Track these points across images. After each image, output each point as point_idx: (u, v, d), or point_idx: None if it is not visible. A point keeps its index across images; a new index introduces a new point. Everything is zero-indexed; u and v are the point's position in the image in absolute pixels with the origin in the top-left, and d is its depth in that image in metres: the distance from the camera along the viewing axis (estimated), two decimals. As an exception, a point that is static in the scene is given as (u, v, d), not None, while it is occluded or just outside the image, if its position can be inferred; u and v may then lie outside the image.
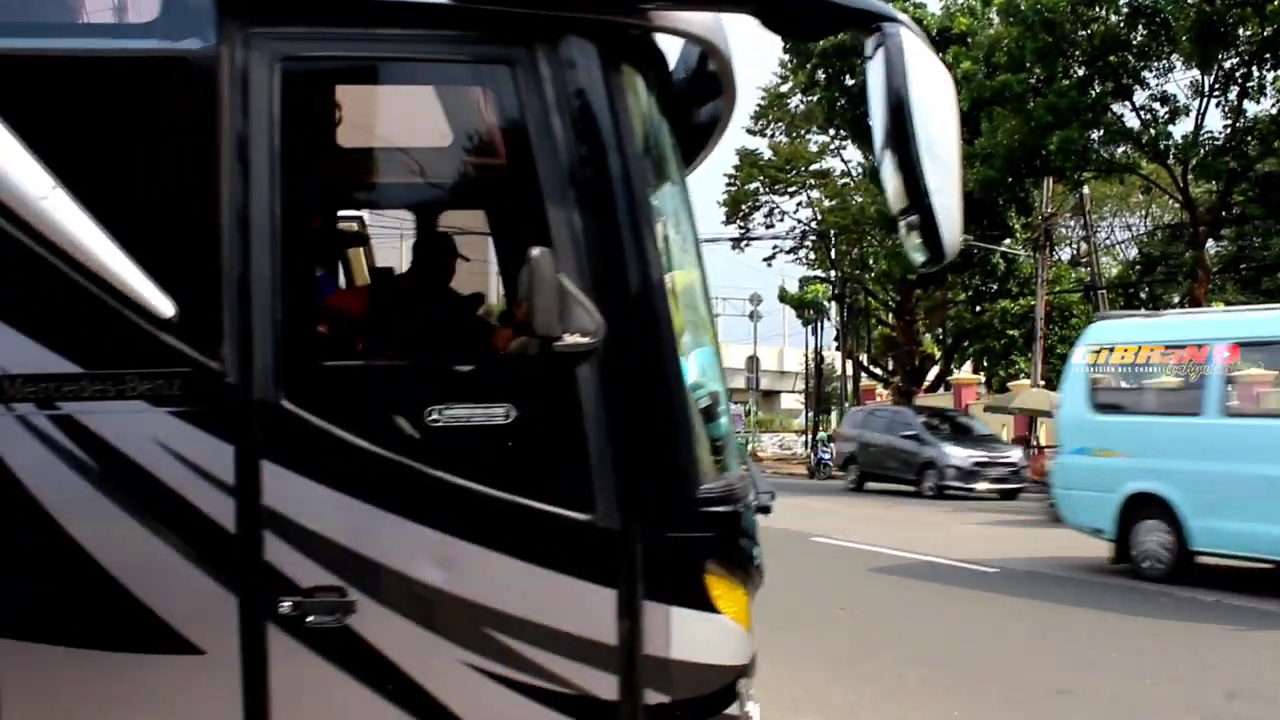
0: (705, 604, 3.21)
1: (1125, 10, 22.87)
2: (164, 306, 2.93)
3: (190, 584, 2.99)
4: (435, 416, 3.10)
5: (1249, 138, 23.52)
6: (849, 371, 42.72)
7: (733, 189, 43.88)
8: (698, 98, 3.65)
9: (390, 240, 4.57)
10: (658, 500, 3.18)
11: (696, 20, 3.31)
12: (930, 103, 2.93)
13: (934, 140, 2.92)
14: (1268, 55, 22.32)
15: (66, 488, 2.91)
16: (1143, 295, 33.35)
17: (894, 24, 2.95)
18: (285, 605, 3.00)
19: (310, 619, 3.01)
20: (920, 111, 2.90)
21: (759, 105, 42.31)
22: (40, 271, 2.90)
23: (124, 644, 2.98)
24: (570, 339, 3.05)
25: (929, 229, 2.94)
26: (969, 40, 27.36)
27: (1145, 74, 24.10)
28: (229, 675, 2.98)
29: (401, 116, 4.07)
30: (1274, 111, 23.10)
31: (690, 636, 3.21)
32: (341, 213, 4.33)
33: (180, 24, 2.97)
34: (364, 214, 4.65)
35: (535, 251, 3.00)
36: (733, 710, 3.26)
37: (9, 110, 2.84)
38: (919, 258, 3.07)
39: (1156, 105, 24.39)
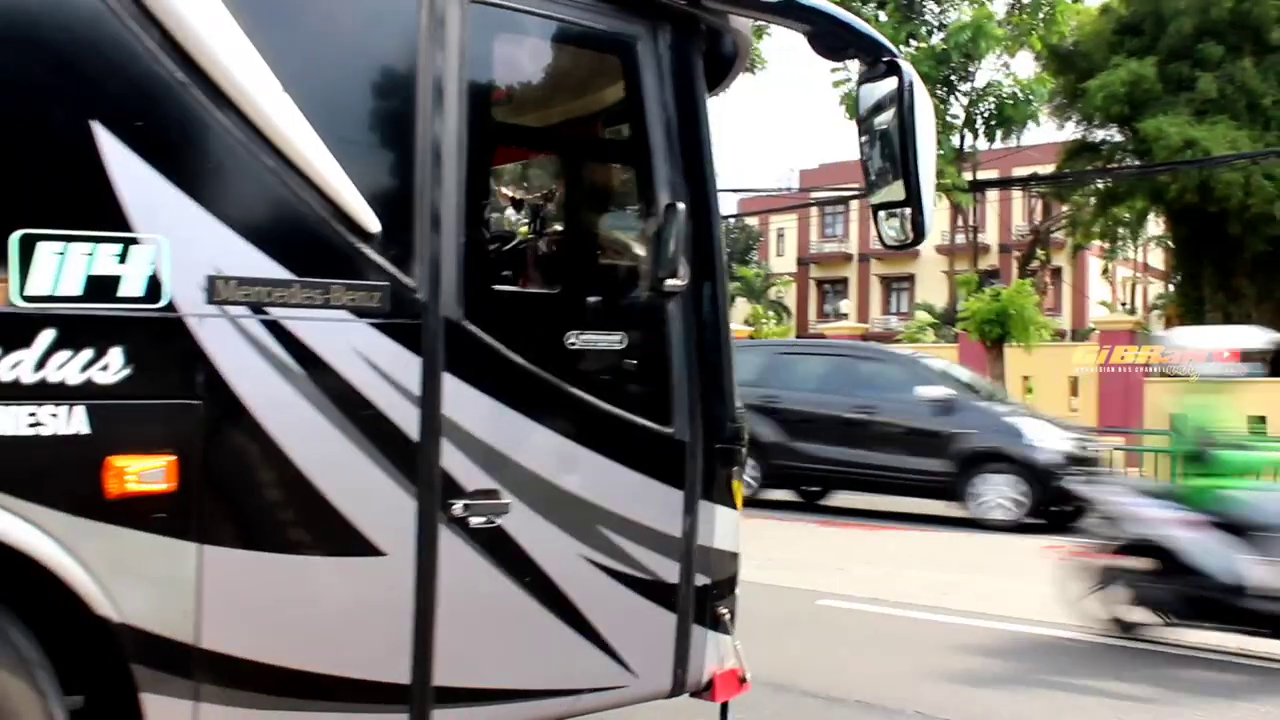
0: (731, 502, 3.99)
1: None
2: (371, 222, 3.13)
3: (377, 489, 3.20)
4: (573, 340, 3.66)
5: None
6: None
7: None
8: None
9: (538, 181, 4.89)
10: (712, 417, 3.90)
11: (745, 21, 4.20)
12: (925, 123, 3.86)
13: (925, 151, 3.85)
14: None
15: (271, 393, 3.00)
16: None
17: (905, 62, 3.87)
18: (456, 507, 3.31)
19: (474, 520, 3.36)
20: (920, 130, 3.81)
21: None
22: (261, 176, 3.00)
23: (314, 547, 3.14)
24: (671, 281, 3.66)
25: (919, 218, 3.87)
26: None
27: None
28: (405, 575, 3.24)
29: (553, 70, 4.32)
30: None
31: (723, 529, 3.95)
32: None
33: None
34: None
35: (672, 209, 3.66)
36: (737, 591, 4.06)
37: (250, 16, 2.93)
38: (897, 238, 4.06)
39: None
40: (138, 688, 2.82)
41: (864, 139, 4.08)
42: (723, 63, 4.27)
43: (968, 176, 23.70)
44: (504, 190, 4.53)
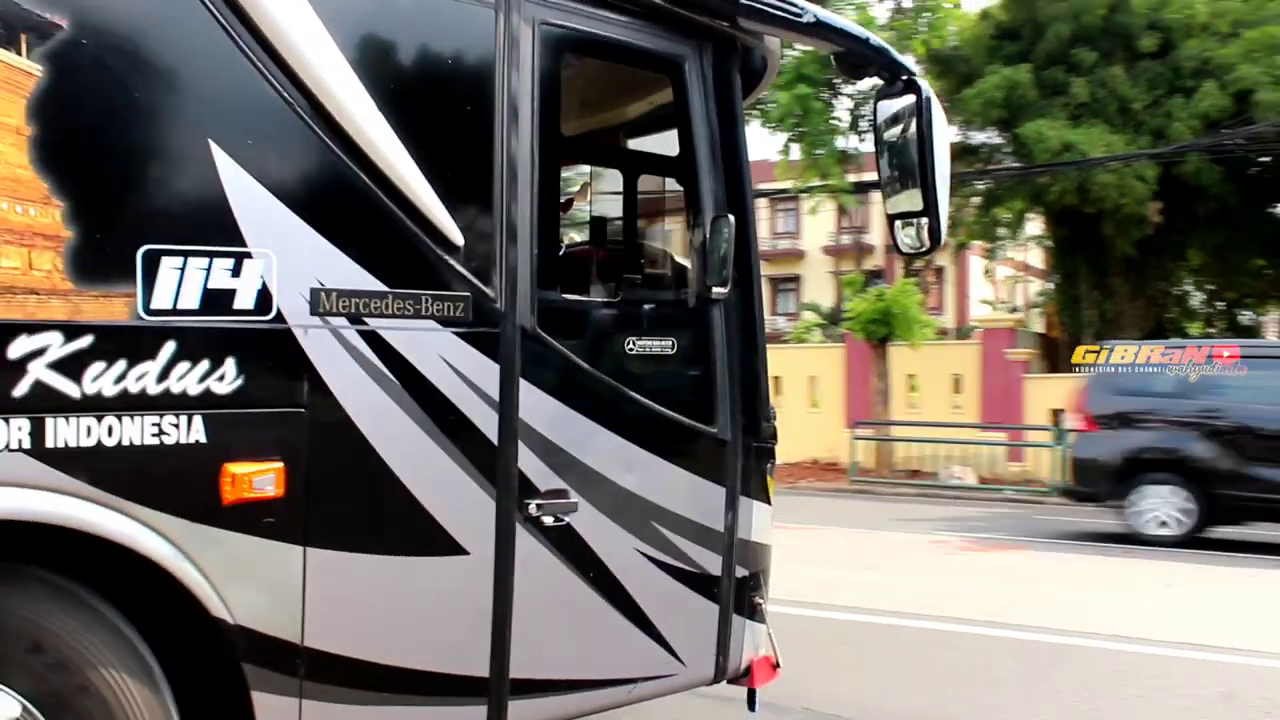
0: (766, 497, 4.32)
1: None
2: (456, 236, 3.37)
3: (461, 491, 3.42)
4: (632, 346, 3.97)
5: None
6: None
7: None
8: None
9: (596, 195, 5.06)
10: (750, 417, 4.21)
11: (776, 40, 4.49)
12: (941, 139, 4.21)
13: (941, 164, 4.19)
14: None
15: (367, 400, 3.19)
16: None
17: (923, 80, 4.22)
18: (531, 507, 3.56)
19: (546, 519, 3.60)
20: (938, 146, 4.18)
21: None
22: (357, 192, 3.18)
23: (405, 548, 3.33)
24: (718, 289, 3.99)
25: (936, 227, 4.23)
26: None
27: None
28: (485, 573, 3.47)
29: (609, 89, 4.58)
30: None
31: (760, 523, 4.28)
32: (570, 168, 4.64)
33: None
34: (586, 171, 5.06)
35: (722, 219, 3.96)
36: (769, 580, 4.36)
37: (346, 35, 3.14)
38: (913, 245, 4.40)
39: None
40: (249, 686, 3.00)
41: (881, 152, 4.43)
42: (753, 75, 4.56)
43: (852, 178, 23.93)
44: (566, 203, 4.70)
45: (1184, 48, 21.95)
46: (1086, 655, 6.89)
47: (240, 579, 2.99)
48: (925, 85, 4.26)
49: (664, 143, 4.52)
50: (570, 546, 3.71)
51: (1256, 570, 10.81)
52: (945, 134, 4.32)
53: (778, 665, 4.44)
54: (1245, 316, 32.22)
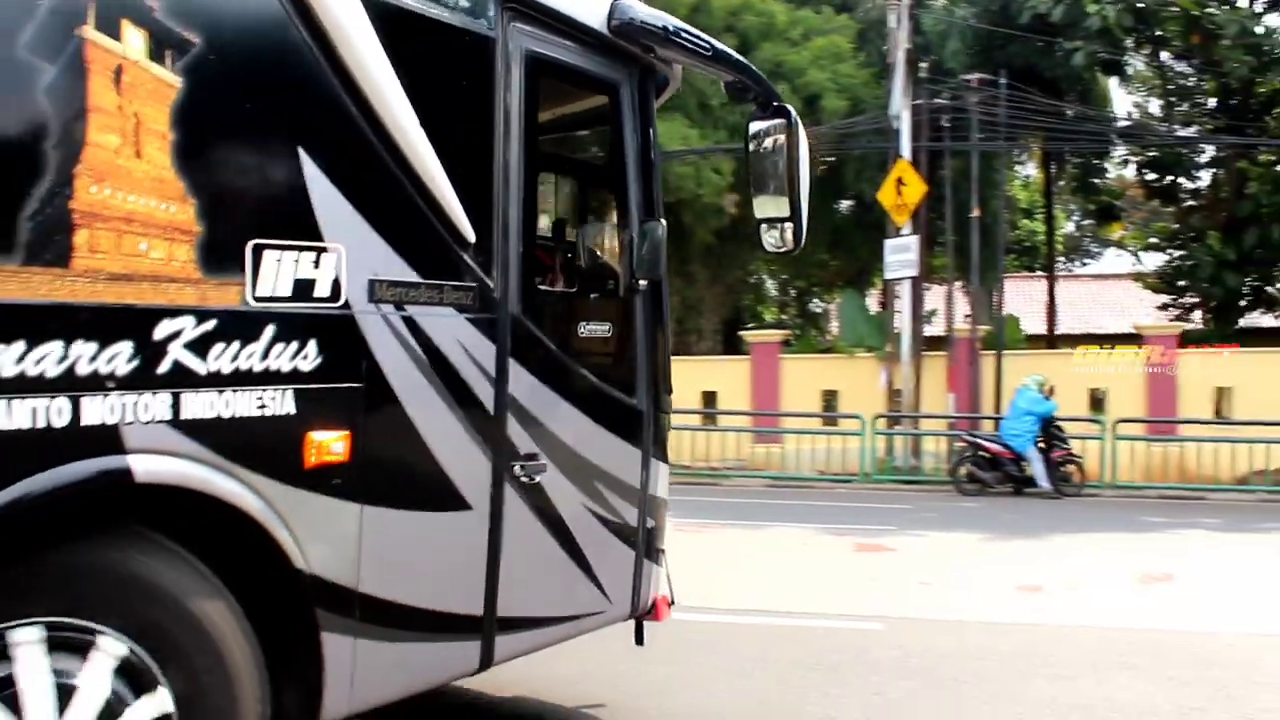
0: (666, 459, 5.07)
1: None
2: (469, 234, 3.89)
3: (468, 454, 3.96)
4: (582, 330, 4.71)
5: None
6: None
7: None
8: None
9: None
10: (657, 391, 4.92)
11: (679, 66, 5.14)
12: (804, 157, 4.86)
13: (804, 177, 4.85)
14: None
15: (406, 376, 3.69)
16: None
17: (791, 108, 4.90)
18: (515, 468, 4.15)
19: (524, 479, 4.19)
20: (802, 162, 4.84)
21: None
22: (403, 194, 3.67)
23: (429, 504, 3.86)
24: (642, 282, 4.69)
25: (799, 230, 4.88)
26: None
27: None
28: (483, 525, 4.04)
29: (568, 108, 5.15)
30: None
31: (662, 481, 5.02)
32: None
33: (472, 7, 3.98)
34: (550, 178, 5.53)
35: (654, 222, 4.73)
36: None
37: (397, 63, 3.57)
38: (777, 245, 5.04)
39: None
40: (319, 628, 3.42)
41: (752, 165, 5.06)
42: (658, 94, 5.19)
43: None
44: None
45: (759, 50, 23.20)
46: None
47: (315, 533, 3.40)
48: (793, 111, 4.95)
49: (604, 153, 5.29)
50: (539, 502, 4.31)
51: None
52: (806, 153, 4.96)
53: (673, 603, 5.23)
54: (815, 304, 34.79)
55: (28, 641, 2.83)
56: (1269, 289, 23.98)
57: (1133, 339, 20.04)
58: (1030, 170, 33.44)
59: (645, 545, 4.94)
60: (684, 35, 4.83)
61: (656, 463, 4.97)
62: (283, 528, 3.29)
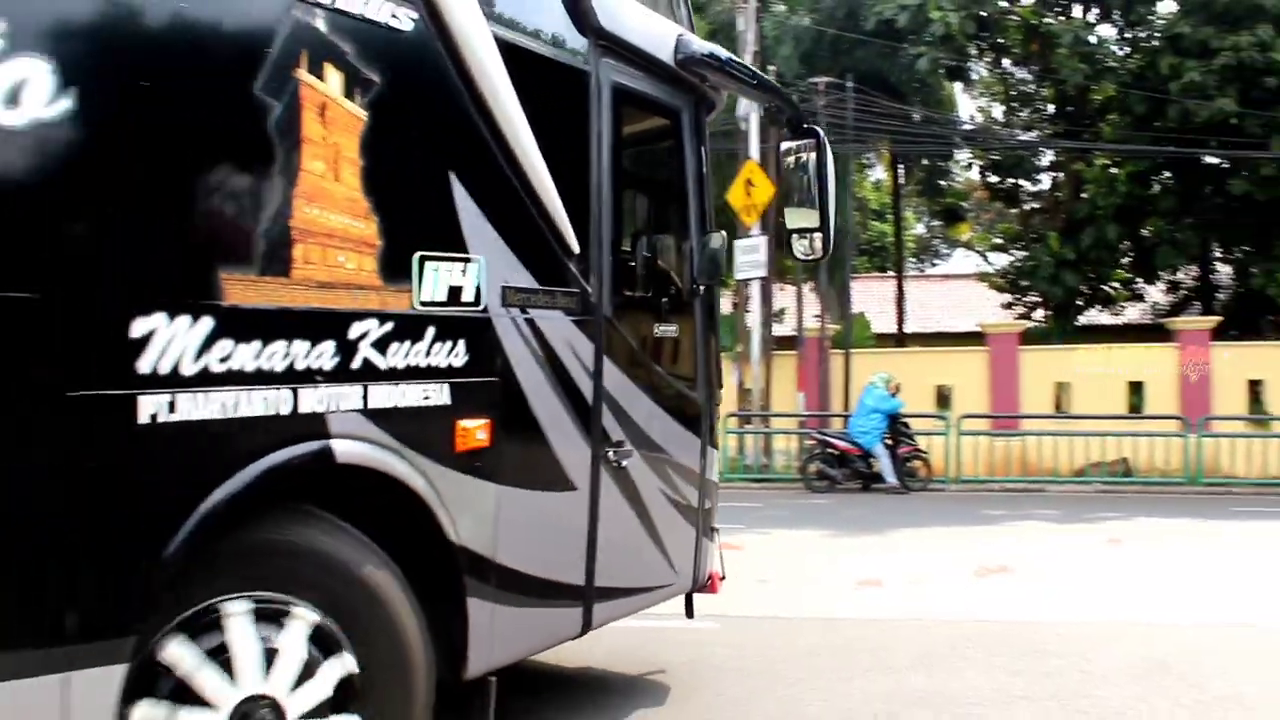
0: (716, 445, 5.85)
1: None
2: (575, 247, 4.46)
3: (574, 440, 4.54)
4: (655, 330, 5.25)
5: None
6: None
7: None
8: None
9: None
10: (711, 383, 5.65)
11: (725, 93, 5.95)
12: (831, 173, 5.57)
13: (831, 192, 5.56)
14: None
15: (529, 371, 4.27)
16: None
17: (821, 132, 5.65)
18: (609, 454, 4.74)
19: (615, 463, 4.78)
20: (829, 178, 5.54)
21: None
22: (526, 212, 4.22)
23: (547, 485, 4.43)
24: (703, 286, 5.49)
25: (827, 239, 5.62)
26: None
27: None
28: (585, 504, 4.63)
29: (641, 132, 5.46)
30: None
31: (715, 465, 5.78)
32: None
33: (574, 46, 4.57)
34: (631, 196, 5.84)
35: (715, 233, 5.45)
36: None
37: (524, 101, 4.11)
38: (806, 252, 5.80)
39: None
40: (465, 593, 3.91)
41: (786, 181, 5.80)
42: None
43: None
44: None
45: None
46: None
47: (463, 510, 3.90)
48: (821, 131, 5.64)
49: (668, 171, 5.67)
50: (626, 484, 4.91)
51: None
52: (833, 170, 5.61)
53: (724, 577, 5.93)
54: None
55: (238, 613, 3.20)
56: (1104, 287, 24.85)
57: (977, 337, 20.54)
58: (880, 173, 34.17)
59: (703, 524, 5.64)
60: (734, 65, 5.74)
61: (710, 449, 5.68)
62: (440, 504, 3.80)
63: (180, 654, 3.09)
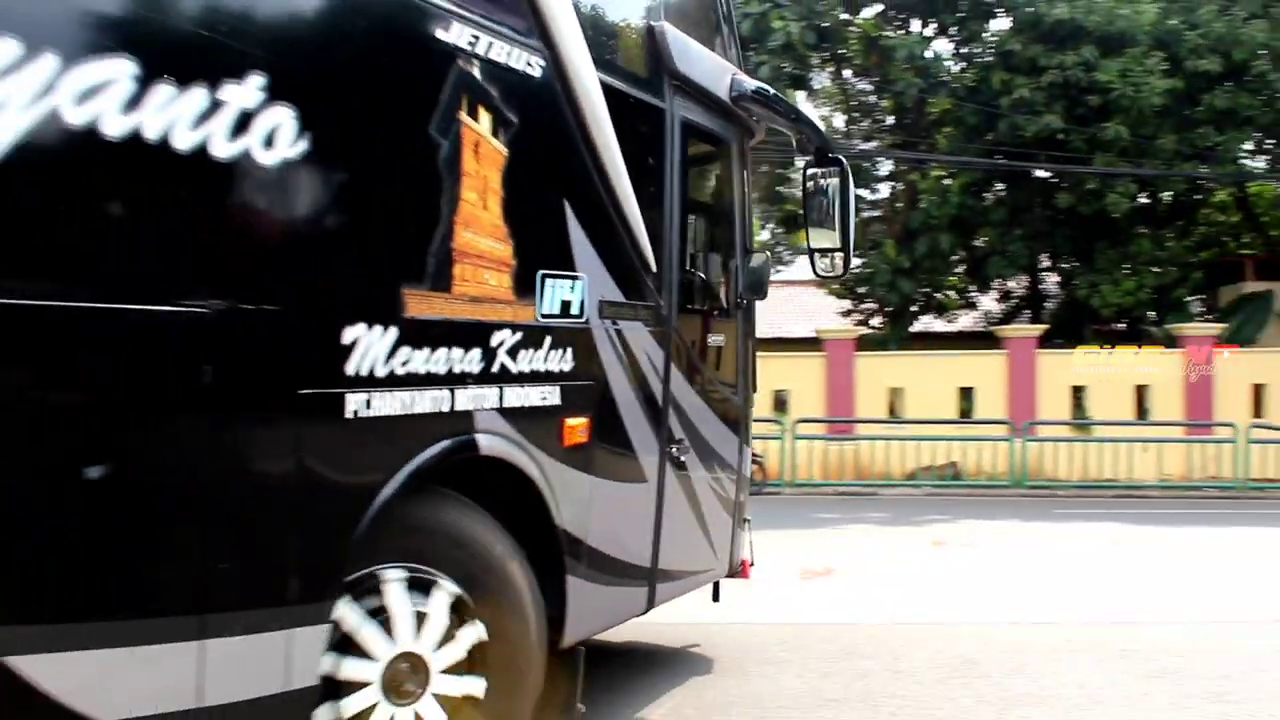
0: (749, 442, 6.58)
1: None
2: (652, 265, 5.08)
3: (646, 437, 5.17)
4: (708, 338, 5.94)
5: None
6: None
7: None
8: None
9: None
10: (749, 386, 6.45)
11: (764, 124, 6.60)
12: (852, 197, 6.14)
13: (852, 215, 6.14)
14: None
15: (617, 376, 4.87)
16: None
17: (844, 160, 6.20)
18: (672, 449, 5.37)
19: (676, 458, 5.40)
20: (851, 202, 6.12)
21: None
22: (616, 235, 4.81)
23: (626, 477, 5.06)
24: (747, 299, 6.27)
25: (847, 258, 6.28)
26: None
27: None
28: (653, 495, 5.25)
29: (700, 160, 6.08)
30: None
31: (748, 461, 6.51)
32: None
33: (654, 85, 5.23)
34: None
35: (760, 254, 6.78)
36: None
37: (615, 126, 4.70)
38: (828, 270, 6.44)
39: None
40: (565, 571, 4.44)
41: (809, 204, 6.30)
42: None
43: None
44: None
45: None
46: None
47: (566, 498, 4.42)
48: (844, 160, 6.21)
49: (719, 195, 6.47)
50: (682, 478, 5.50)
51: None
52: (853, 195, 6.18)
53: (753, 564, 6.60)
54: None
55: (396, 579, 3.72)
56: (938, 295, 25.50)
57: (816, 343, 20.87)
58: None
59: (738, 515, 6.35)
60: (778, 100, 6.41)
61: (746, 446, 6.40)
62: (549, 492, 4.35)
63: (347, 613, 3.56)
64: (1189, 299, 22.51)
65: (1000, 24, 22.52)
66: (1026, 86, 20.02)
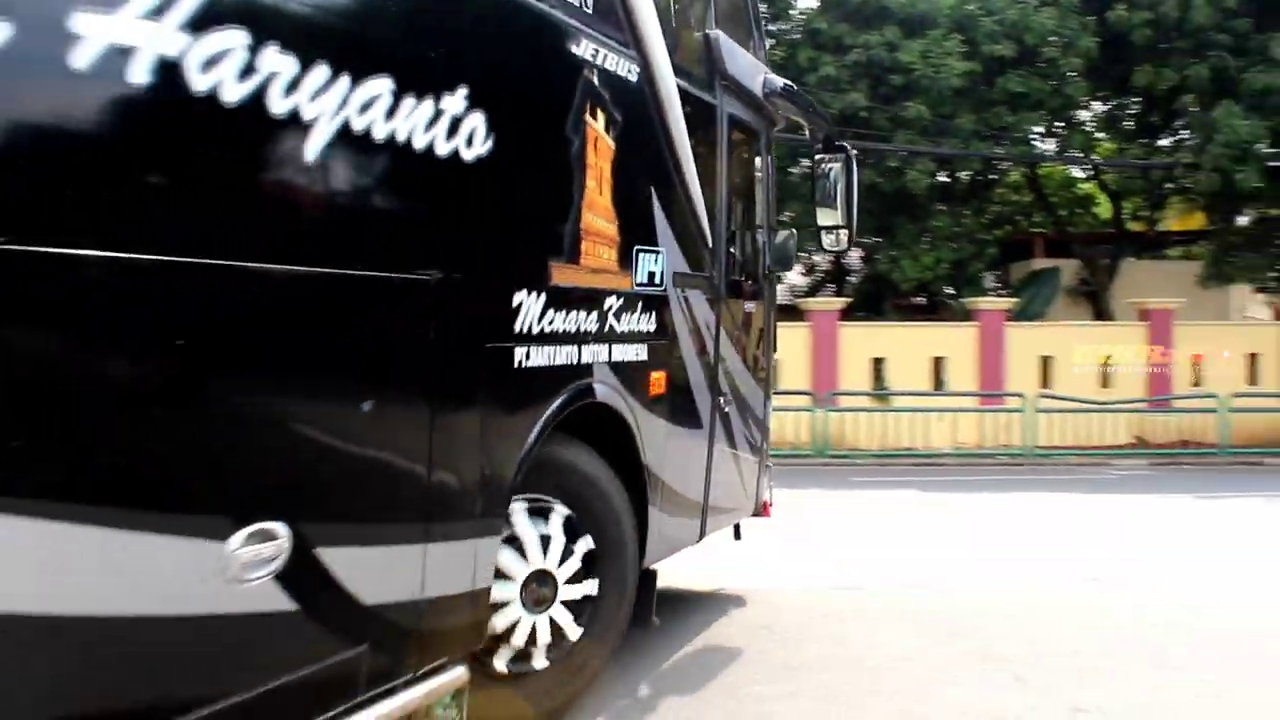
0: (770, 396, 7.54)
1: None
2: (709, 242, 5.93)
3: (704, 389, 6.03)
4: (745, 306, 6.74)
5: None
6: None
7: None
8: None
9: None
10: (772, 346, 7.49)
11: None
12: (855, 181, 7.10)
13: (855, 196, 7.10)
14: None
15: (685, 335, 5.73)
16: None
17: (849, 147, 7.21)
18: (720, 401, 6.23)
19: (724, 408, 6.28)
20: (854, 185, 7.07)
21: None
22: (686, 218, 5.65)
23: (694, 424, 5.96)
24: (774, 272, 7.32)
25: (851, 234, 7.12)
26: None
27: None
28: (706, 440, 6.13)
29: (739, 149, 6.71)
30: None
31: (770, 412, 7.49)
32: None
33: (709, 85, 6.03)
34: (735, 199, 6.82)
35: (787, 231, 7.37)
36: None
37: (687, 123, 5.55)
38: (834, 245, 7.25)
39: None
40: (648, 502, 5.35)
41: (817, 187, 7.22)
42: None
43: None
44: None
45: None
46: None
47: (649, 440, 5.30)
48: (849, 147, 7.16)
49: (752, 179, 7.06)
50: (727, 425, 6.31)
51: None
52: (856, 179, 7.11)
53: (772, 504, 7.48)
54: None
55: (521, 510, 4.46)
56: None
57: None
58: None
59: (763, 460, 7.24)
60: (799, 95, 7.23)
61: (768, 401, 7.33)
62: (639, 434, 5.16)
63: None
64: (984, 274, 23.34)
65: (808, 2, 22.89)
66: (833, 65, 20.27)
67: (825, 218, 7.19)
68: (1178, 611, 7.26)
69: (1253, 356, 19.85)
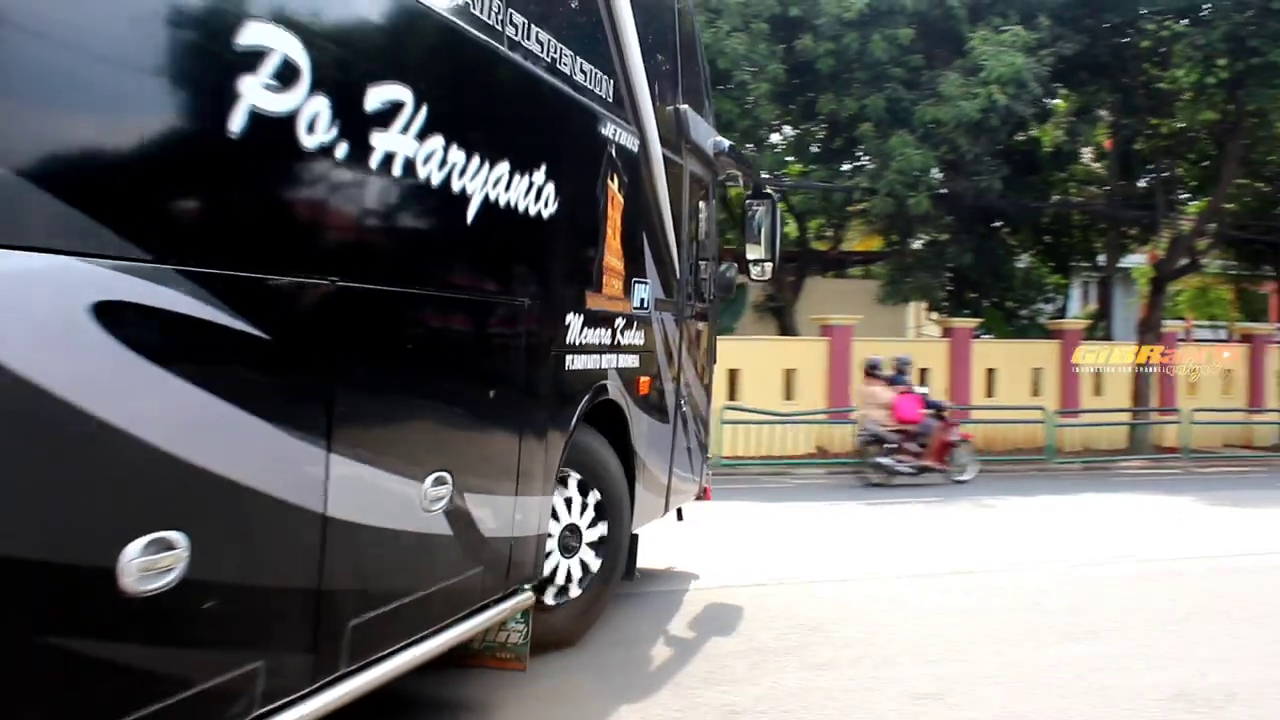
0: (710, 396, 9.14)
1: None
2: (677, 274, 7.38)
3: (669, 388, 7.42)
4: (696, 325, 8.16)
5: None
6: None
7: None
8: None
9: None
10: (713, 358, 9.08)
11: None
12: (778, 223, 8.99)
13: (778, 235, 8.93)
14: None
15: (661, 347, 7.18)
16: None
17: (773, 194, 9.01)
18: (681, 401, 7.67)
19: (682, 406, 7.70)
20: (778, 226, 8.94)
21: None
22: (664, 252, 7.08)
23: (666, 419, 7.44)
24: (716, 299, 8.95)
25: (775, 266, 8.96)
26: None
27: None
28: (670, 430, 7.49)
29: (692, 192, 7.87)
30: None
31: (710, 410, 9.10)
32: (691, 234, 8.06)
33: (678, 149, 7.33)
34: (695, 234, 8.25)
35: (729, 264, 9.29)
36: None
37: (665, 179, 7.05)
38: (760, 275, 9.00)
39: None
40: (636, 480, 6.75)
41: (746, 227, 8.89)
42: None
43: None
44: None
45: None
46: None
47: (638, 430, 6.76)
48: (773, 193, 8.88)
49: (701, 219, 8.29)
50: (684, 417, 7.81)
51: None
52: (780, 221, 8.93)
53: (709, 489, 8.87)
54: None
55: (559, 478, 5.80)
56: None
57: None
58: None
59: (704, 450, 8.59)
60: (738, 153, 8.91)
61: (709, 400, 8.72)
62: (632, 424, 6.59)
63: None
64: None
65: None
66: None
67: (753, 252, 8.81)
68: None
69: (922, 371, 20.89)
